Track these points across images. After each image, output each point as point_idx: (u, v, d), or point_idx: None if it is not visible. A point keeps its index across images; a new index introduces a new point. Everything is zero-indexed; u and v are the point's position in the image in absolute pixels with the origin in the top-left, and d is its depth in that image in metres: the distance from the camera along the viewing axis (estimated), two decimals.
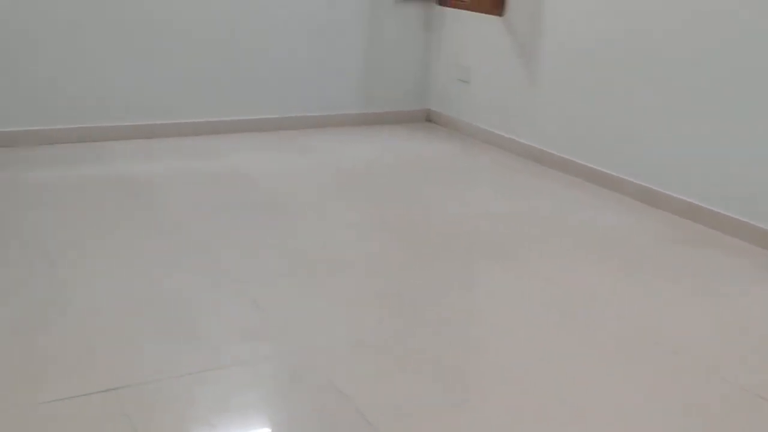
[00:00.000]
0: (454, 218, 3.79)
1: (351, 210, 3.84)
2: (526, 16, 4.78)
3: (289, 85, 5.23)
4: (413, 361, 2.43)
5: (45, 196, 3.73)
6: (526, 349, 2.55)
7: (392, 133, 5.41)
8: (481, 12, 5.09)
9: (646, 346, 2.62)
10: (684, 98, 3.89)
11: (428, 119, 5.76)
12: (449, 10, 5.43)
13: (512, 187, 4.38)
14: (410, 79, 5.67)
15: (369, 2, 5.32)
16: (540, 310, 2.85)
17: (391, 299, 2.89)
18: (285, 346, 2.48)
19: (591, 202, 4.15)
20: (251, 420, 2.12)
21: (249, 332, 2.55)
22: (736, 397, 2.33)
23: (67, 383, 2.18)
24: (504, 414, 2.17)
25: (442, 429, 2.09)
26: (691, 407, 2.27)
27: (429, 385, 2.30)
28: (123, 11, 4.61)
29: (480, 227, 3.68)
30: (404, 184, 4.32)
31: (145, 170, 4.21)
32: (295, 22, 5.12)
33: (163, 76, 4.81)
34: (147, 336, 2.49)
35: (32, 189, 3.83)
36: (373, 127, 5.51)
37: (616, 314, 2.86)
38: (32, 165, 4.19)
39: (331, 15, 5.22)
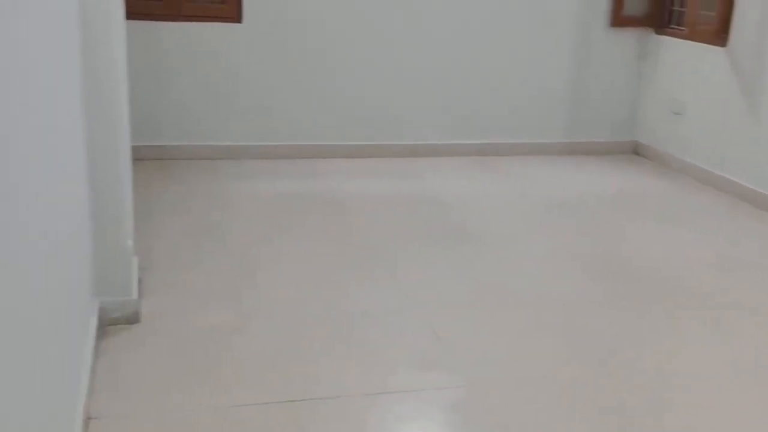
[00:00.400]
0: (654, 261, 3.56)
1: (546, 243, 3.74)
2: (752, 47, 4.42)
3: (493, 111, 5.22)
4: (584, 407, 2.31)
5: (255, 207, 4.00)
6: (714, 418, 2.33)
7: (596, 165, 5.22)
8: (702, 42, 4.78)
9: None
10: None
11: (635, 152, 5.49)
12: (666, 39, 5.15)
13: (723, 231, 4.04)
14: (619, 109, 5.45)
15: (581, 28, 5.19)
16: (740, 377, 2.60)
17: (572, 340, 2.77)
18: (456, 377, 2.46)
19: None
20: None
21: (423, 360, 2.56)
22: None
23: (250, 390, 2.32)
24: None
25: None
26: None
27: None
28: (336, 41, 4.86)
29: (682, 273, 3.43)
30: (605, 220, 4.14)
31: (348, 189, 4.39)
32: (502, 47, 5.12)
33: (371, 102, 5.00)
34: (328, 352, 2.58)
35: (244, 200, 4.12)
36: (577, 158, 5.35)
37: None
38: (247, 177, 4.52)
39: (540, 41, 5.16)
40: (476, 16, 5.02)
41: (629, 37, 5.29)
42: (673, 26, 5.13)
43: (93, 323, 2.46)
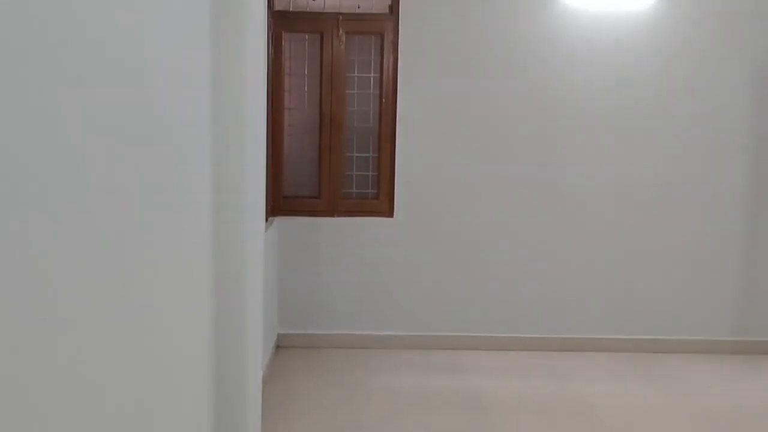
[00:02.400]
0: None
1: None
2: None
3: (651, 303, 4.96)
4: None
5: (391, 403, 3.95)
6: None
7: None
8: None
9: None
10: None
11: None
12: None
13: None
14: None
15: (754, 210, 4.90)
16: None
17: None
18: None
19: None
20: None
21: None
22: None
23: None
24: None
25: None
26: None
27: None
28: (484, 233, 4.91)
29: None
30: None
31: (490, 386, 4.25)
32: (667, 242, 4.92)
33: (517, 294, 4.94)
34: None
35: (383, 395, 4.09)
36: (751, 358, 4.88)
37: None
38: (390, 369, 4.52)
39: (709, 225, 4.90)
40: (636, 199, 4.89)
41: None
42: None
43: None
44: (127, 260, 1.50)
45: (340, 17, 4.66)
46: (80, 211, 1.27)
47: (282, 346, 4.85)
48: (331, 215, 4.92)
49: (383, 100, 4.79)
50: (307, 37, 4.77)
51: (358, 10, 4.71)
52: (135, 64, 1.58)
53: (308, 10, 4.70)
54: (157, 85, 1.76)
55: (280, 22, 4.62)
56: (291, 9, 4.70)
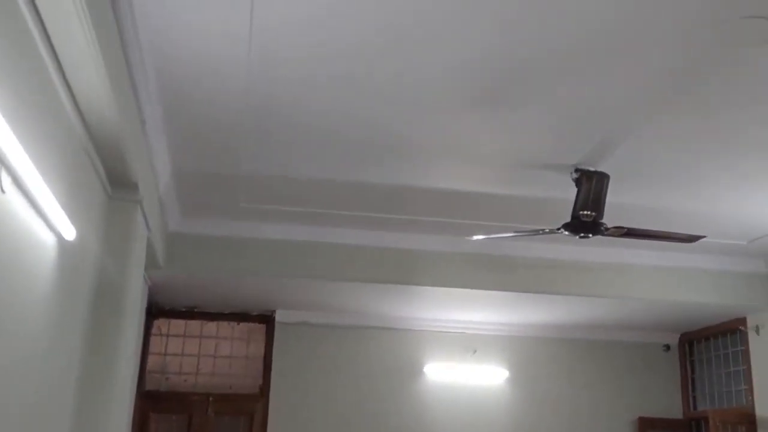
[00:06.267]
0: None
1: None
2: None
3: None
4: None
5: None
6: None
7: None
8: None
9: None
10: None
11: None
12: None
13: None
14: None
15: None
16: None
17: None
18: None
19: None
20: None
21: None
22: None
23: None
24: None
25: None
26: None
27: None
28: None
29: None
30: None
31: None
32: None
33: None
34: None
35: None
36: None
37: None
38: None
39: None
40: None
41: None
42: None
43: None
44: None
45: (211, 398, 4.67)
46: None
47: None
48: None
49: None
50: (174, 417, 4.70)
51: (229, 390, 4.77)
52: None
53: (179, 390, 4.69)
54: None
55: (149, 403, 4.56)
56: (161, 389, 4.68)
